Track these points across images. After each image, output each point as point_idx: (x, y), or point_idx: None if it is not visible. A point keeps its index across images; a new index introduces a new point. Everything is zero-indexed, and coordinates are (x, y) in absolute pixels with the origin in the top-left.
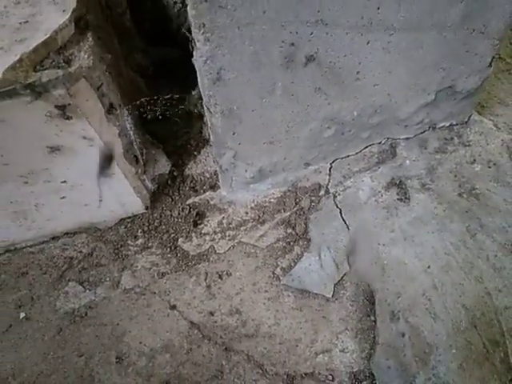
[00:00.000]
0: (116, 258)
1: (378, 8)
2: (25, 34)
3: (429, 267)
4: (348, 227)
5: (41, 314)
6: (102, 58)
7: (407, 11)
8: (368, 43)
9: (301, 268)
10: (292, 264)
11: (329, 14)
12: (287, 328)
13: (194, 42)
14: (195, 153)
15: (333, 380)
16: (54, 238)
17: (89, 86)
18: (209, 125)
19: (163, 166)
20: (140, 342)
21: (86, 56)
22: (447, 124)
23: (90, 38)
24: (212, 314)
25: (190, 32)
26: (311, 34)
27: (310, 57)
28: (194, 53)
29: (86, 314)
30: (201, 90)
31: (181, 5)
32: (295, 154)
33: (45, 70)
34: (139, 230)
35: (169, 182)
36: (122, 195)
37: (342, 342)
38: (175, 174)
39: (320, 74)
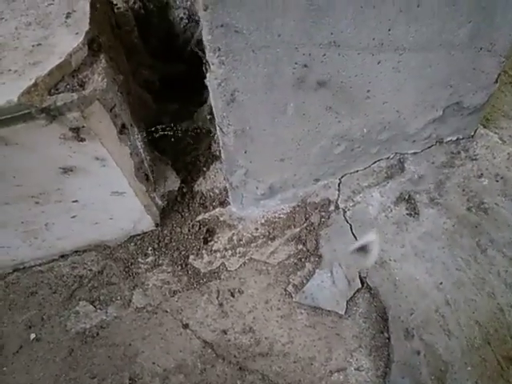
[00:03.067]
0: (127, 277)
1: (389, 30)
2: (38, 57)
3: (441, 283)
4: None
5: (51, 334)
6: (115, 79)
7: (417, 32)
8: (379, 63)
9: (313, 285)
10: (304, 281)
11: (341, 36)
12: (301, 346)
13: (209, 65)
14: (204, 169)
15: None
16: (63, 256)
17: (102, 107)
18: (221, 144)
19: (172, 182)
20: (153, 363)
21: (99, 79)
22: (454, 138)
23: (103, 60)
24: (225, 332)
25: (200, 50)
26: (324, 55)
27: (323, 83)
28: (208, 75)
29: (98, 334)
30: (214, 110)
31: (187, 21)
32: (305, 171)
33: (59, 93)
34: (149, 248)
35: (178, 198)
36: (133, 213)
37: (357, 359)
38: (184, 190)
39: (331, 94)
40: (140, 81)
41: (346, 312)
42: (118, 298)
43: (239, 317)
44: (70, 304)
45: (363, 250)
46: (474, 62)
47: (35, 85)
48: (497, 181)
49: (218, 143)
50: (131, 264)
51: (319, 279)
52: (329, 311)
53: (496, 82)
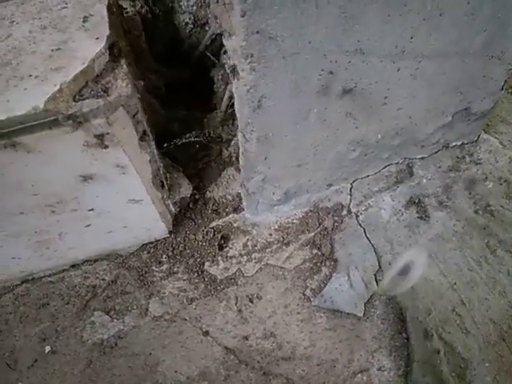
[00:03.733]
0: (141, 285)
1: (412, 37)
2: (60, 62)
3: (455, 283)
4: (373, 246)
5: (67, 346)
6: (135, 84)
7: (436, 40)
8: (398, 70)
9: (331, 289)
10: (321, 285)
11: (367, 43)
12: (323, 349)
13: (237, 72)
14: (216, 175)
15: None
16: (74, 266)
17: (126, 114)
18: (241, 150)
19: (185, 189)
20: (175, 371)
21: (123, 84)
22: (459, 143)
23: (124, 66)
24: (246, 338)
25: (212, 55)
26: (349, 62)
27: (349, 90)
28: (235, 81)
29: (116, 345)
30: (238, 116)
31: (192, 26)
32: (320, 176)
33: (84, 99)
34: (163, 255)
35: (190, 205)
36: (148, 221)
37: (378, 360)
38: (197, 197)
39: (352, 101)
40: (148, 86)
41: (364, 314)
42: (135, 307)
43: (259, 322)
44: (85, 315)
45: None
46: (484, 70)
47: (60, 90)
48: (500, 184)
49: (229, 150)
50: (145, 272)
51: (337, 283)
52: (347, 314)
53: (502, 88)
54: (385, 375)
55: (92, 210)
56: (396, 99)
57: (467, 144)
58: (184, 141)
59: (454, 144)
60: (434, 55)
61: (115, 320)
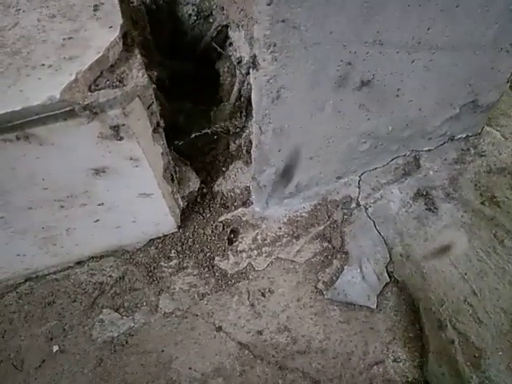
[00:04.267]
0: (151, 281)
1: (428, 29)
2: (73, 52)
3: (466, 274)
4: (383, 238)
5: (76, 345)
6: (149, 75)
7: (452, 31)
8: (413, 62)
9: (344, 281)
10: (333, 278)
11: (386, 34)
12: (338, 341)
13: (257, 62)
14: (223, 169)
15: None
16: (80, 263)
17: (141, 105)
18: (255, 143)
19: (193, 183)
20: (190, 368)
21: (139, 74)
22: (464, 136)
23: (138, 56)
24: (260, 333)
25: (219, 46)
26: (367, 53)
27: (367, 81)
28: (254, 72)
29: (127, 342)
30: (255, 108)
31: (195, 18)
32: (330, 168)
33: (100, 89)
34: (172, 251)
35: (198, 199)
36: (157, 215)
37: (393, 351)
38: (204, 191)
39: (367, 92)
40: (152, 79)
41: (377, 306)
42: (144, 303)
43: (273, 316)
44: (93, 312)
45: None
46: (493, 62)
47: (76, 80)
48: (504, 176)
49: (237, 142)
50: (154, 268)
51: (349, 275)
52: (360, 306)
53: (508, 81)
54: (400, 366)
55: (101, 204)
56: (408, 91)
57: (471, 136)
58: (198, 134)
59: (459, 136)
60: (447, 47)
61: (125, 317)
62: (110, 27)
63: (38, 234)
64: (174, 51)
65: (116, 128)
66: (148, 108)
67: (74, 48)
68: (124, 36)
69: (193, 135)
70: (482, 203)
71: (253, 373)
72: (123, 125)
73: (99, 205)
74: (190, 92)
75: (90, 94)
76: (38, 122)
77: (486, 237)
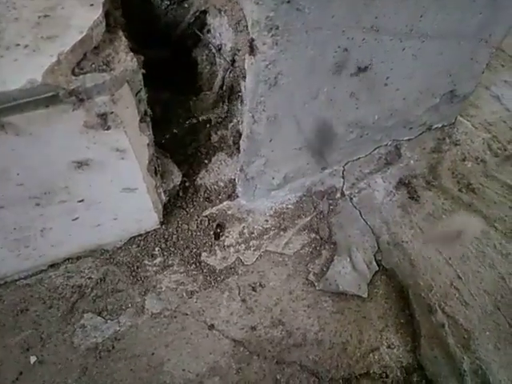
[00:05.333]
0: (135, 281)
1: (421, 16)
2: (52, 31)
3: (450, 259)
4: (371, 228)
5: (56, 354)
6: (137, 59)
7: (442, 20)
8: (403, 50)
9: (335, 272)
10: (324, 269)
11: (383, 20)
12: (333, 332)
13: (255, 46)
14: (206, 161)
15: (387, 377)
16: (53, 266)
17: (130, 91)
18: (246, 132)
19: (175, 176)
20: (183, 370)
21: (128, 58)
22: (440, 125)
23: (123, 38)
24: (254, 328)
25: (200, 32)
26: (363, 39)
27: (364, 68)
28: (250, 58)
29: (114, 347)
30: (249, 95)
31: (168, 2)
32: (317, 159)
33: (85, 73)
34: (156, 248)
35: (180, 193)
36: (140, 211)
37: (387, 338)
38: (187, 184)
39: (358, 80)
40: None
41: (368, 295)
42: (129, 305)
43: (266, 311)
44: (73, 318)
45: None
46: (473, 52)
47: (58, 62)
48: (478, 163)
49: (219, 133)
50: (137, 267)
51: (339, 266)
52: (352, 296)
53: (483, 72)
54: (395, 352)
55: (82, 201)
56: (396, 80)
57: (446, 126)
58: (185, 125)
59: (435, 126)
60: (436, 35)
61: (109, 321)
62: (91, 5)
63: (8, 235)
64: (147, 38)
65: (104, 116)
66: (136, 95)
67: (51, 27)
68: (106, 16)
69: (174, 130)
70: (460, 190)
71: (250, 369)
72: (111, 113)
73: (79, 201)
74: (167, 81)
75: (74, 77)
76: (15, 108)
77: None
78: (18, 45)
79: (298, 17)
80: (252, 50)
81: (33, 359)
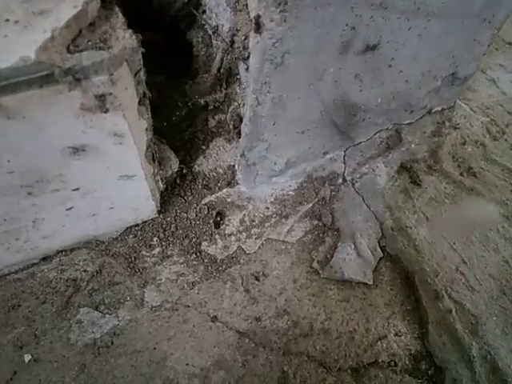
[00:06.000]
0: (133, 273)
1: None
2: (44, 6)
3: (454, 243)
4: (374, 213)
5: (52, 351)
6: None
7: None
8: (409, 29)
9: (339, 259)
10: (328, 256)
11: None
12: (339, 321)
13: (262, 23)
14: (203, 147)
15: (396, 365)
16: (46, 259)
17: (129, 71)
18: (248, 115)
19: (172, 163)
20: (187, 364)
21: (126, 35)
22: (439, 109)
23: (120, 14)
24: (259, 319)
25: (187, 16)
26: (371, 17)
27: (373, 46)
28: (257, 35)
29: (113, 343)
30: (253, 76)
31: None
32: (319, 143)
33: (81, 51)
34: (154, 238)
35: (177, 181)
36: (138, 199)
37: (394, 325)
38: (184, 171)
39: (364, 61)
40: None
41: (373, 282)
42: (128, 298)
43: (270, 301)
44: (68, 313)
45: None
46: (476, 33)
47: (52, 39)
48: (478, 147)
49: (216, 118)
50: (135, 259)
51: (344, 252)
52: (357, 283)
53: (484, 53)
54: (402, 340)
55: (77, 189)
56: (400, 61)
57: (446, 110)
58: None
59: (435, 110)
60: (441, 14)
61: (107, 315)
62: None
63: None
64: (138, 20)
65: (102, 98)
66: (135, 75)
67: (43, 1)
68: None
69: (171, 115)
70: (461, 174)
71: (256, 362)
72: (110, 94)
73: (74, 190)
74: (161, 65)
75: (69, 55)
76: (6, 89)
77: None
78: (8, 20)
79: None
80: (258, 27)
81: (27, 358)
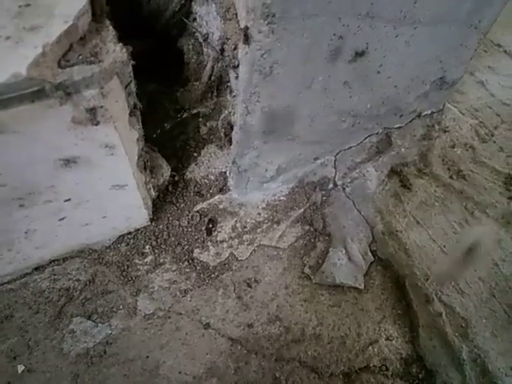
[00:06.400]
0: (125, 282)
1: (415, 2)
2: (35, 21)
3: (444, 247)
4: (364, 218)
5: (45, 362)
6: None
7: (434, 5)
8: (396, 37)
9: (330, 264)
10: (319, 261)
11: (378, 6)
12: (331, 326)
13: (250, 35)
14: (195, 154)
15: (387, 369)
16: (38, 269)
17: (120, 84)
18: (239, 124)
19: (164, 171)
20: (179, 372)
21: (117, 49)
22: (429, 112)
23: (111, 27)
24: (251, 325)
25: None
26: (358, 27)
27: (362, 52)
28: (245, 46)
29: (106, 352)
30: (243, 86)
31: None
32: (310, 149)
33: (72, 65)
34: (146, 246)
35: (169, 188)
36: (130, 208)
37: (385, 330)
38: (176, 179)
39: (352, 68)
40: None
41: (364, 286)
42: (121, 306)
43: (262, 307)
44: (61, 323)
45: None
46: (462, 38)
47: (43, 54)
48: (467, 150)
49: (208, 125)
50: (127, 267)
51: (335, 257)
52: (348, 288)
53: (471, 58)
54: (393, 344)
55: (69, 200)
56: (388, 67)
57: (435, 113)
58: (178, 119)
59: (425, 113)
60: (428, 21)
61: (100, 324)
62: None
63: None
64: (129, 28)
65: (93, 111)
66: (126, 87)
67: (34, 17)
68: (91, 4)
69: (163, 123)
70: (451, 177)
71: (248, 368)
72: (101, 107)
73: (66, 201)
74: (152, 73)
75: (60, 70)
76: None
77: (458, 210)
78: (0, 36)
79: (295, 3)
80: (246, 38)
81: (20, 368)
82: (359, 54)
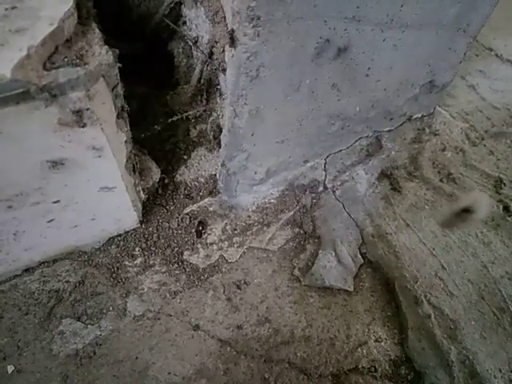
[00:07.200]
0: (115, 283)
1: (402, 5)
2: (20, 24)
3: (433, 249)
4: (354, 220)
5: (35, 362)
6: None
7: (421, 9)
8: (384, 40)
9: (320, 266)
10: (309, 263)
11: (365, 10)
12: (320, 328)
13: (236, 38)
14: (185, 157)
15: (376, 371)
16: (28, 271)
17: (106, 86)
18: (227, 127)
19: (153, 173)
20: (169, 373)
21: (103, 51)
22: (419, 115)
23: (97, 30)
24: (240, 327)
25: (174, 25)
26: (345, 30)
27: (344, 48)
28: (231, 50)
29: (95, 353)
30: (230, 89)
31: None
32: (299, 152)
33: (58, 68)
34: (136, 248)
35: (159, 191)
36: (119, 210)
37: (374, 332)
38: (166, 181)
39: (340, 70)
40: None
41: (354, 288)
42: (110, 308)
43: (251, 309)
44: (51, 324)
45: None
46: (451, 42)
47: (28, 56)
48: (457, 153)
49: (198, 128)
50: (117, 269)
51: (325, 260)
52: (338, 290)
53: (461, 62)
54: (382, 346)
55: (57, 202)
56: (377, 71)
57: (426, 116)
58: (168, 122)
59: (415, 116)
60: (415, 25)
61: (89, 326)
62: None
63: None
64: (119, 31)
65: (79, 113)
66: (113, 90)
67: (20, 19)
68: (78, 7)
69: (152, 126)
70: (441, 180)
71: (237, 370)
72: (87, 109)
73: (54, 202)
74: (142, 76)
75: (45, 72)
76: None
77: (448, 212)
78: None
79: (279, 7)
80: (233, 41)
81: (10, 369)
82: (342, 50)
